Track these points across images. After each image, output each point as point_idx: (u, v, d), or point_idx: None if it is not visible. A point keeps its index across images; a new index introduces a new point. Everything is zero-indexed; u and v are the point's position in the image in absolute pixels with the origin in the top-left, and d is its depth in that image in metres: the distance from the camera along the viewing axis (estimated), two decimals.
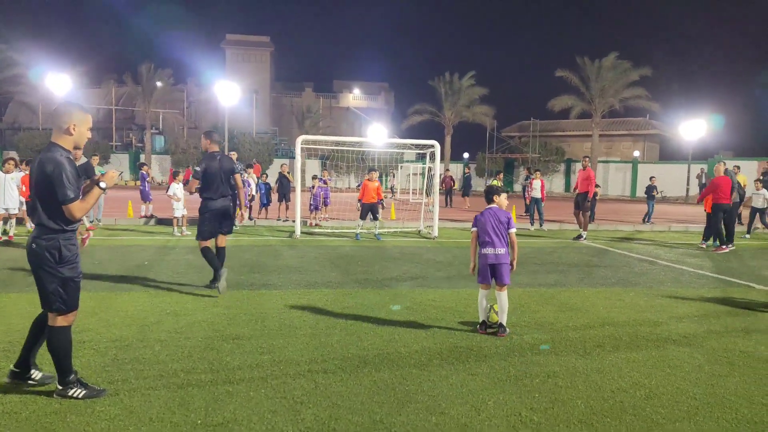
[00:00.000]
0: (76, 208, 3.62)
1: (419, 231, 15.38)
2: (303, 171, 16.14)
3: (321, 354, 4.99)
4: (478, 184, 47.87)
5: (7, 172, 11.56)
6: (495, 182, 17.44)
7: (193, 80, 61.05)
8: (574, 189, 15.08)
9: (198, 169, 7.47)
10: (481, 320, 5.81)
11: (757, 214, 16.22)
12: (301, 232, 13.91)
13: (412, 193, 32.43)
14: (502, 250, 5.72)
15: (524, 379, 4.51)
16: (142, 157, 45.01)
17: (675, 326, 6.25)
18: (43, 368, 4.20)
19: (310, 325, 5.88)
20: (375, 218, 13.63)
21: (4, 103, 55.71)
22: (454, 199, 27.71)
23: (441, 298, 7.35)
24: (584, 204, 14.40)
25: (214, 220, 7.44)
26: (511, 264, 5.79)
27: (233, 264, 9.47)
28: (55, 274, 3.68)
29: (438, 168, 14.89)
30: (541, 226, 17.25)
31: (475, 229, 5.86)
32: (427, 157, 16.53)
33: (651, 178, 20.56)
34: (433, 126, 47.61)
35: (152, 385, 4.17)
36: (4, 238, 11.54)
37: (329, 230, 15.05)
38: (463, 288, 7.94)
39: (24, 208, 11.92)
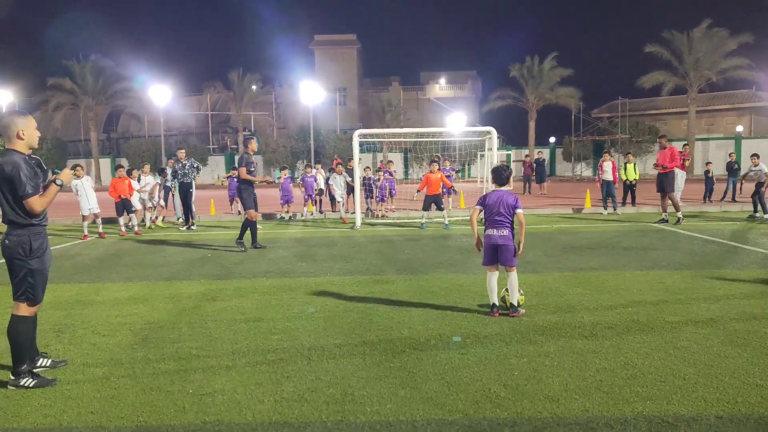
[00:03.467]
0: (35, 202, 4.07)
1: (481, 218, 15.28)
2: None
3: (328, 335, 5.30)
4: (565, 169, 46.29)
5: (78, 177, 12.60)
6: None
7: (283, 82, 63.43)
8: (656, 165, 14.15)
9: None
10: (491, 303, 5.89)
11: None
12: (363, 223, 14.33)
13: (487, 181, 31.95)
14: (505, 232, 5.81)
15: (512, 359, 4.58)
16: (236, 159, 47.62)
17: (706, 308, 5.98)
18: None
19: (330, 309, 6.22)
20: (440, 208, 13.79)
21: (116, 115, 61.04)
22: (532, 186, 27.07)
23: (470, 282, 7.44)
24: (671, 184, 13.71)
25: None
26: (518, 245, 5.86)
27: (287, 254, 10.05)
28: (24, 265, 4.12)
29: (495, 155, 14.74)
30: (615, 210, 16.63)
31: (478, 207, 6.00)
32: (493, 143, 16.34)
33: (730, 154, 19.77)
34: (516, 111, 46.56)
35: (165, 361, 4.67)
36: (93, 236, 12.87)
37: (394, 220, 15.38)
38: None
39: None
